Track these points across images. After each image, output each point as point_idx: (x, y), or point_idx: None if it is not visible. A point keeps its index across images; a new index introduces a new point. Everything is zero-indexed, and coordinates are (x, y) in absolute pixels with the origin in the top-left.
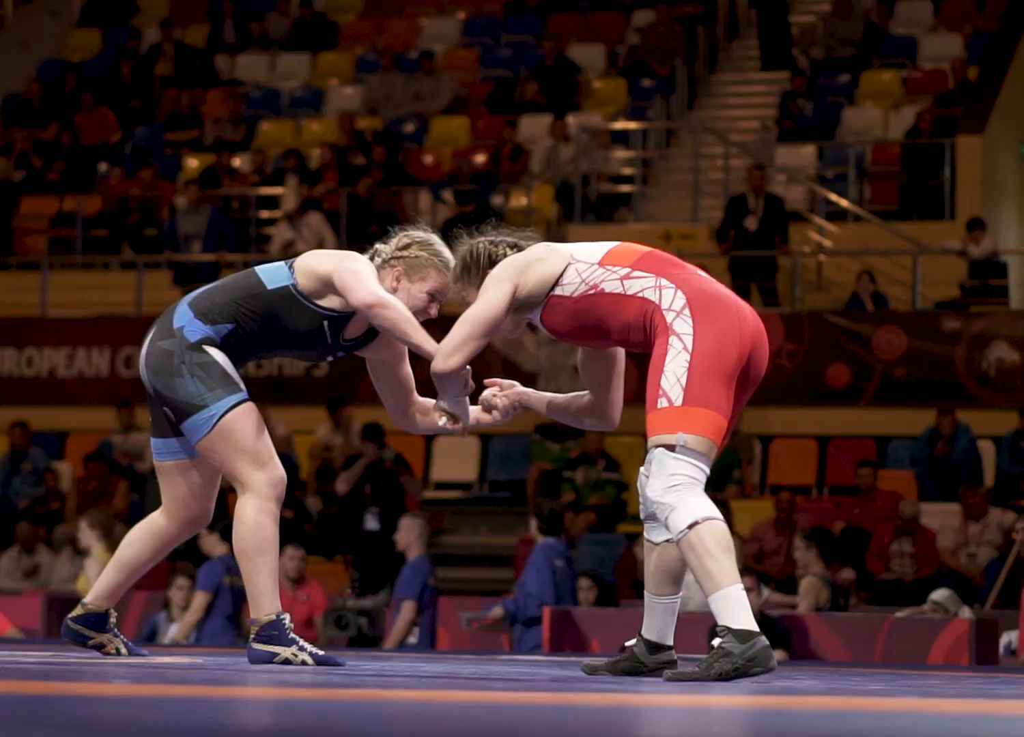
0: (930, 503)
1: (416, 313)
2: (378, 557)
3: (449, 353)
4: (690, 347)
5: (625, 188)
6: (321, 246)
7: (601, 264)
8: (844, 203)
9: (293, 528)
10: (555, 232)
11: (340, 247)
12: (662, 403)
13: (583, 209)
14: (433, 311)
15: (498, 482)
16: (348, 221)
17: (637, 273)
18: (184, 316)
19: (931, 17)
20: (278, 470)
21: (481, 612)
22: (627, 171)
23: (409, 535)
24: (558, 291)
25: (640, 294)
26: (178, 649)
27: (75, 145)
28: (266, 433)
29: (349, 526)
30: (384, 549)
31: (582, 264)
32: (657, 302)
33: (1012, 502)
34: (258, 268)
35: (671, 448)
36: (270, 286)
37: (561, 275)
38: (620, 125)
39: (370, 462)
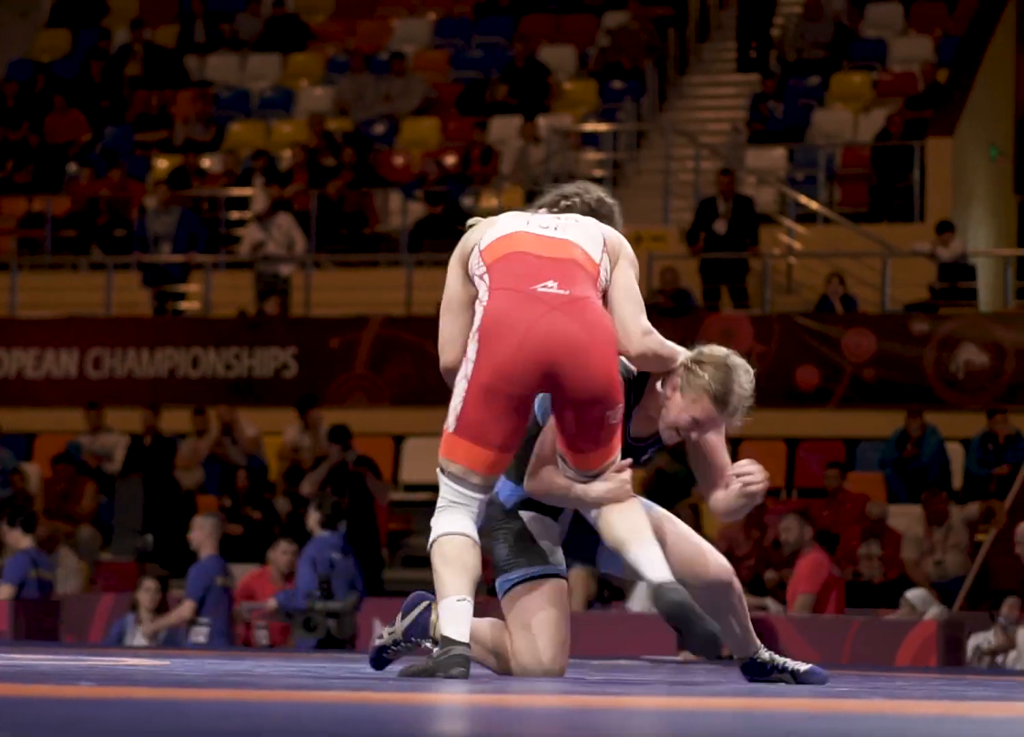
0: (898, 505)
1: (672, 429)
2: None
3: (648, 328)
4: (469, 375)
5: None
6: (290, 248)
7: (481, 255)
8: (814, 205)
9: (263, 530)
10: None
11: (308, 249)
12: (445, 426)
13: None
14: (693, 436)
15: None
16: (318, 222)
17: (481, 280)
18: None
19: (901, 20)
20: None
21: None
22: (597, 172)
23: (201, 533)
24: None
25: (478, 304)
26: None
27: (44, 145)
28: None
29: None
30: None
31: (478, 247)
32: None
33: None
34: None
35: (442, 470)
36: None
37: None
38: (590, 126)
39: (335, 464)
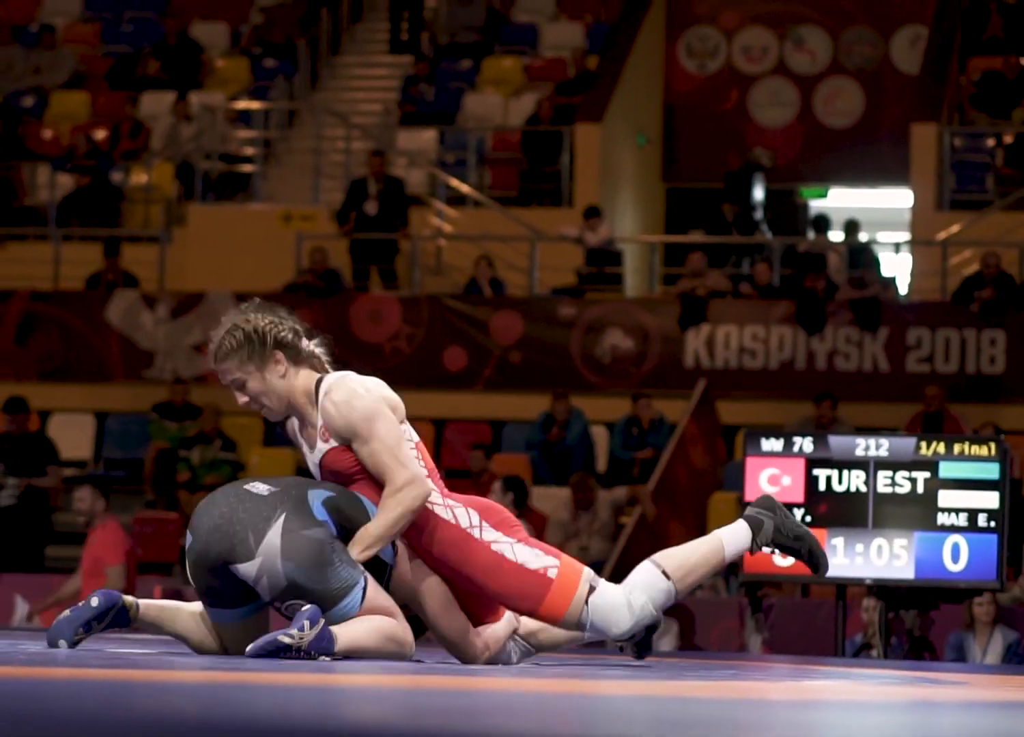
0: (544, 487)
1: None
2: (8, 527)
3: (414, 476)
4: (514, 540)
5: (246, 168)
6: None
7: (417, 448)
8: (464, 188)
9: None
10: (175, 211)
11: None
12: (552, 572)
13: (204, 188)
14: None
15: (114, 460)
16: None
17: (430, 482)
18: (322, 512)
19: (552, 6)
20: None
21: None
22: (248, 151)
23: None
24: None
25: (430, 506)
26: None
27: None
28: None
29: None
30: (14, 519)
31: (408, 433)
32: (455, 522)
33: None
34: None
35: (592, 591)
36: None
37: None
38: (242, 104)
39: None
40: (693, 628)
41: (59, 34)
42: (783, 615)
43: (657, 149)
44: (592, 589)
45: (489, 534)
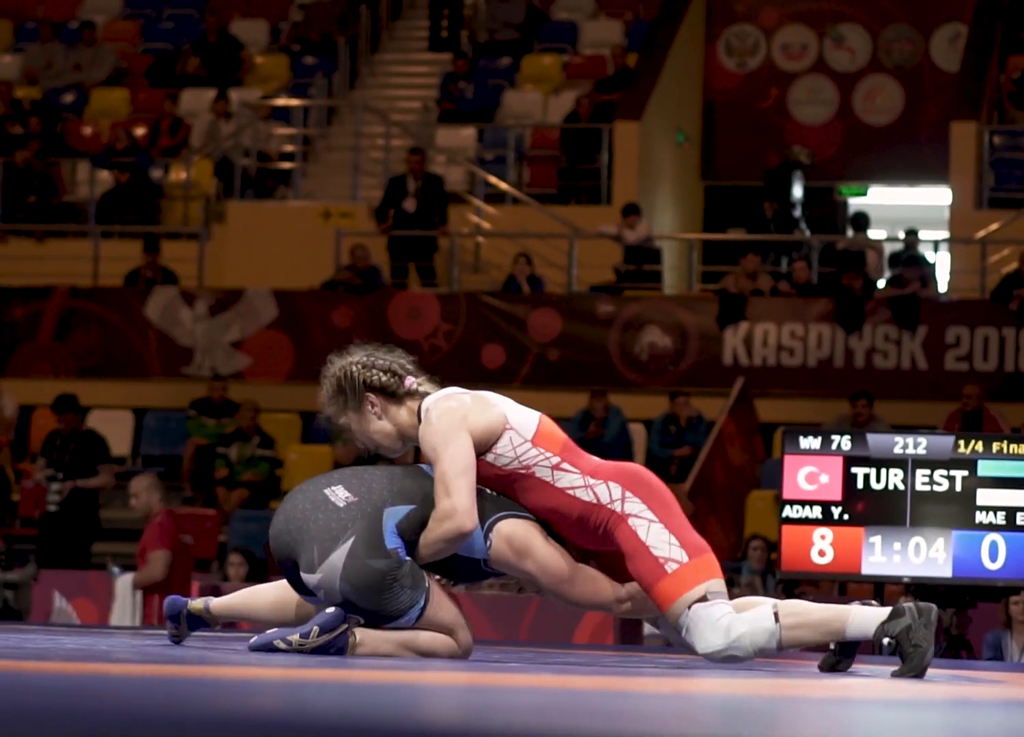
0: None
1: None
2: (52, 530)
3: (454, 510)
4: (655, 519)
5: (285, 165)
6: None
7: (534, 443)
8: (503, 186)
9: None
10: (214, 208)
11: None
12: (670, 567)
13: (243, 185)
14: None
15: (152, 457)
16: (4, 191)
17: (566, 466)
18: (393, 539)
19: (592, 3)
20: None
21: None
22: (288, 148)
23: None
24: (488, 456)
25: (571, 491)
26: None
27: None
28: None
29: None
30: (59, 522)
31: (516, 436)
32: (596, 501)
33: None
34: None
35: (703, 600)
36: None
37: (498, 438)
38: (281, 102)
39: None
40: None
41: (99, 31)
42: None
43: (696, 147)
44: (704, 599)
45: (631, 506)
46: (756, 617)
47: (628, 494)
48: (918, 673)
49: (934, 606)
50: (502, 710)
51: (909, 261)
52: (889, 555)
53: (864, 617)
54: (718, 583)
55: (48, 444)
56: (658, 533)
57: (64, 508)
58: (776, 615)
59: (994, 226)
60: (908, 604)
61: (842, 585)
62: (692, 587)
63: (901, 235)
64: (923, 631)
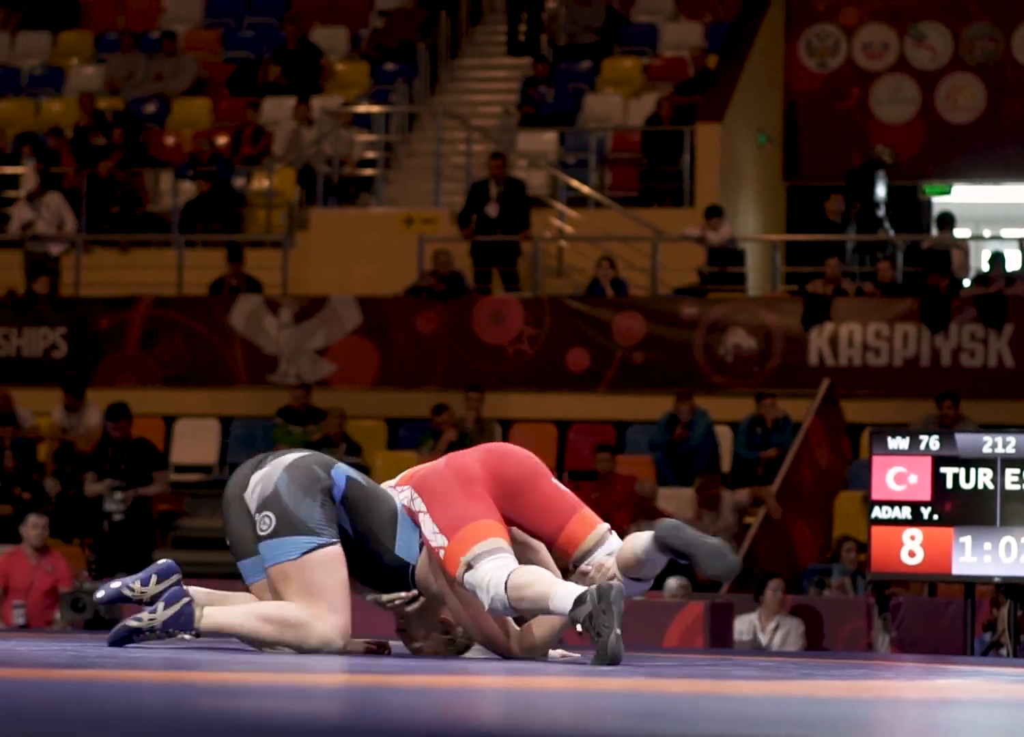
0: (667, 488)
1: None
2: (117, 539)
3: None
4: (425, 509)
5: (367, 172)
6: (60, 227)
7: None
8: (585, 189)
9: (32, 510)
10: (297, 215)
11: (80, 228)
12: (441, 554)
13: (325, 192)
14: None
15: (238, 465)
16: (88, 201)
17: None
18: (340, 477)
19: (672, 5)
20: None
21: None
22: (369, 154)
23: None
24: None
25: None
26: None
27: None
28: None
29: (89, 508)
30: (124, 531)
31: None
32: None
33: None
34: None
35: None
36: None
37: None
38: (363, 108)
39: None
40: (821, 629)
41: (180, 41)
42: (911, 614)
43: (778, 148)
44: (470, 567)
45: (416, 505)
46: (492, 582)
47: (414, 493)
48: (610, 661)
49: (615, 585)
50: (599, 715)
51: (995, 259)
52: (979, 555)
53: (562, 599)
54: (482, 546)
55: (99, 454)
56: (428, 525)
57: (128, 517)
58: (506, 584)
59: None
60: (592, 588)
61: (932, 586)
62: (456, 567)
63: (987, 234)
64: (603, 617)
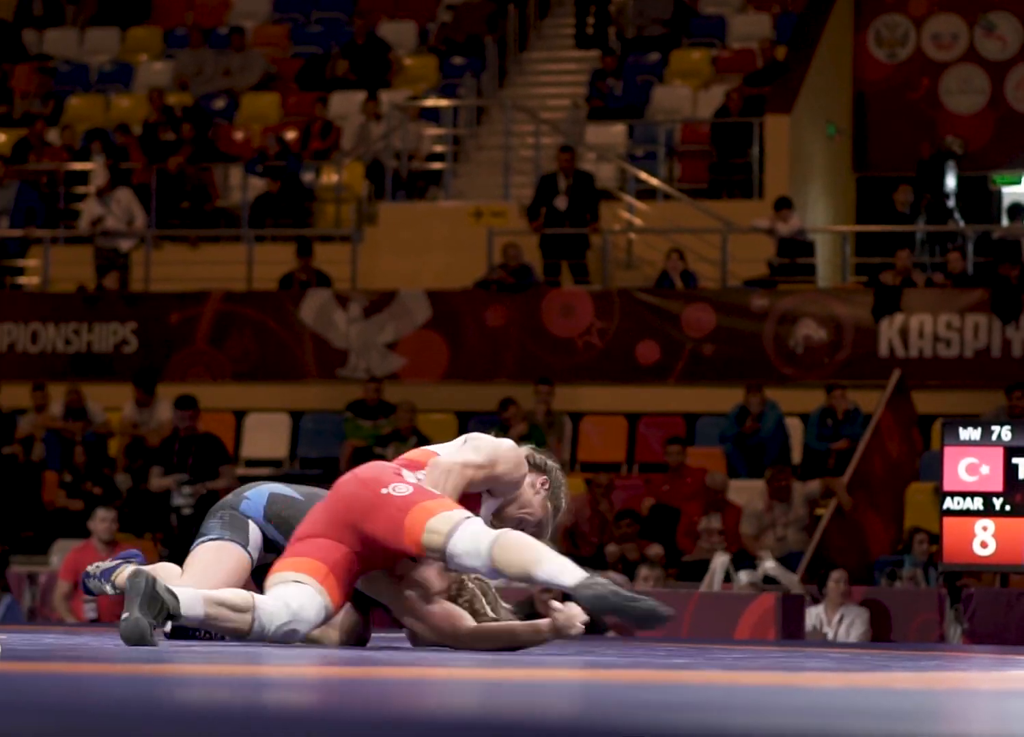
0: (738, 480)
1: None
2: (186, 533)
3: None
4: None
5: (436, 165)
6: (130, 223)
7: None
8: (654, 181)
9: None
10: (366, 210)
11: (149, 223)
12: None
13: (394, 186)
14: None
15: (309, 459)
16: (158, 197)
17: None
18: (259, 495)
19: None
20: None
21: None
22: (438, 148)
23: None
24: None
25: None
26: None
27: None
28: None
29: (158, 503)
30: (193, 525)
31: None
32: None
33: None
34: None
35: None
36: None
37: None
38: (431, 102)
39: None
40: (891, 620)
41: (249, 36)
42: (983, 605)
43: (847, 138)
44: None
45: None
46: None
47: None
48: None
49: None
50: (676, 707)
51: None
52: None
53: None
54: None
55: (165, 448)
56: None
57: (197, 511)
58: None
59: None
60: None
61: (1004, 576)
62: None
63: None
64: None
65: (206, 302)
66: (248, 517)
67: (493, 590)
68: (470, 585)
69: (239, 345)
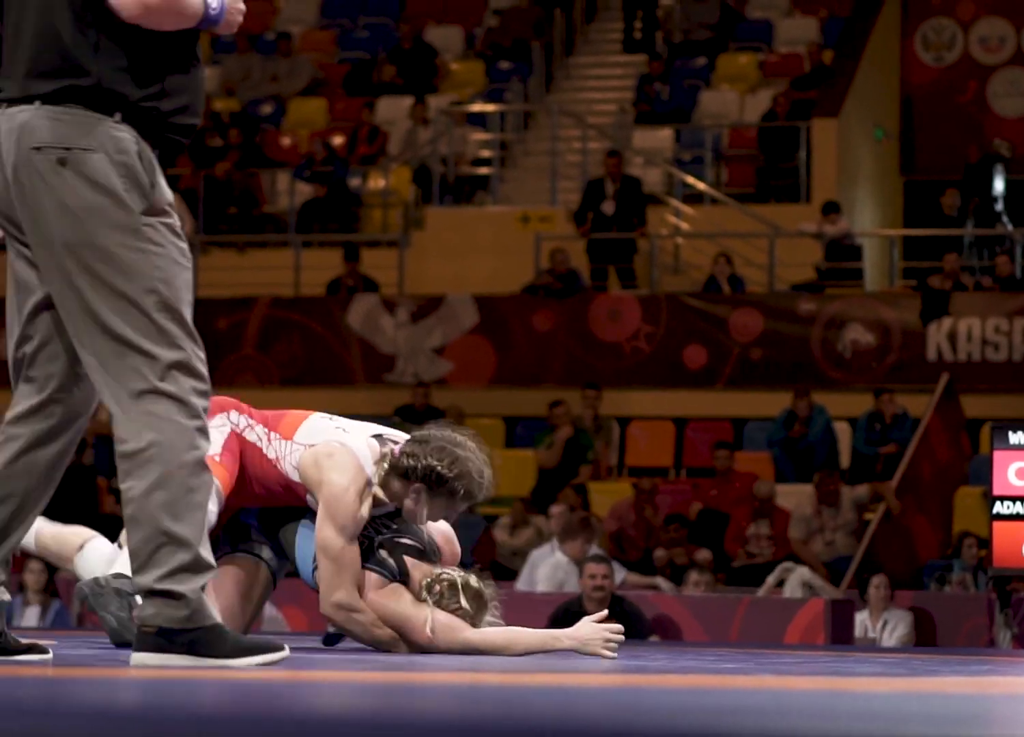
0: (786, 484)
1: None
2: None
3: None
4: None
5: (483, 170)
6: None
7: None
8: (701, 186)
9: None
10: (413, 214)
11: (197, 229)
12: None
13: (441, 191)
14: None
15: None
16: (205, 203)
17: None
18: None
19: (787, 1)
20: None
21: None
22: (485, 153)
23: None
24: None
25: None
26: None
27: None
28: None
29: None
30: None
31: None
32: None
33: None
34: None
35: None
36: None
37: None
38: (478, 107)
39: None
40: (937, 625)
41: (296, 42)
42: None
43: (895, 143)
44: None
45: None
46: None
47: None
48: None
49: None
50: (728, 713)
51: None
52: None
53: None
54: None
55: None
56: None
57: None
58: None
59: None
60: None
61: None
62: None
63: None
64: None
65: (254, 308)
66: (247, 523)
67: (472, 578)
68: (445, 578)
69: (287, 350)
